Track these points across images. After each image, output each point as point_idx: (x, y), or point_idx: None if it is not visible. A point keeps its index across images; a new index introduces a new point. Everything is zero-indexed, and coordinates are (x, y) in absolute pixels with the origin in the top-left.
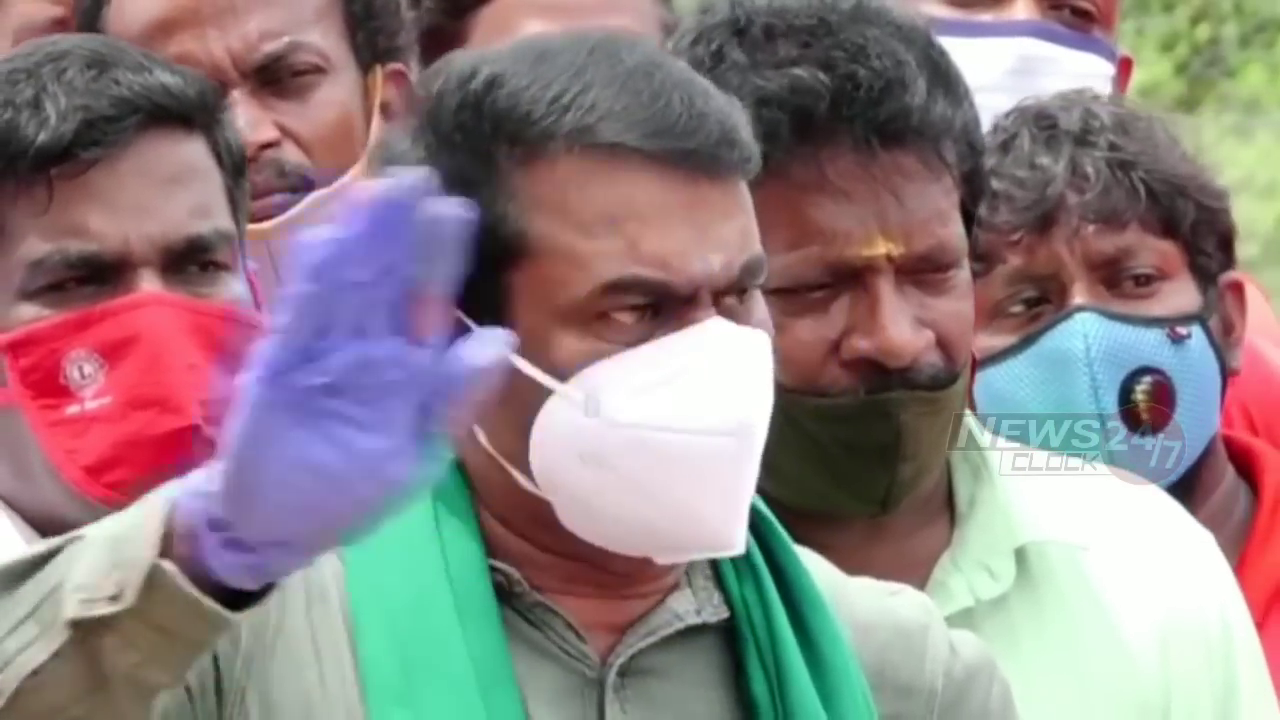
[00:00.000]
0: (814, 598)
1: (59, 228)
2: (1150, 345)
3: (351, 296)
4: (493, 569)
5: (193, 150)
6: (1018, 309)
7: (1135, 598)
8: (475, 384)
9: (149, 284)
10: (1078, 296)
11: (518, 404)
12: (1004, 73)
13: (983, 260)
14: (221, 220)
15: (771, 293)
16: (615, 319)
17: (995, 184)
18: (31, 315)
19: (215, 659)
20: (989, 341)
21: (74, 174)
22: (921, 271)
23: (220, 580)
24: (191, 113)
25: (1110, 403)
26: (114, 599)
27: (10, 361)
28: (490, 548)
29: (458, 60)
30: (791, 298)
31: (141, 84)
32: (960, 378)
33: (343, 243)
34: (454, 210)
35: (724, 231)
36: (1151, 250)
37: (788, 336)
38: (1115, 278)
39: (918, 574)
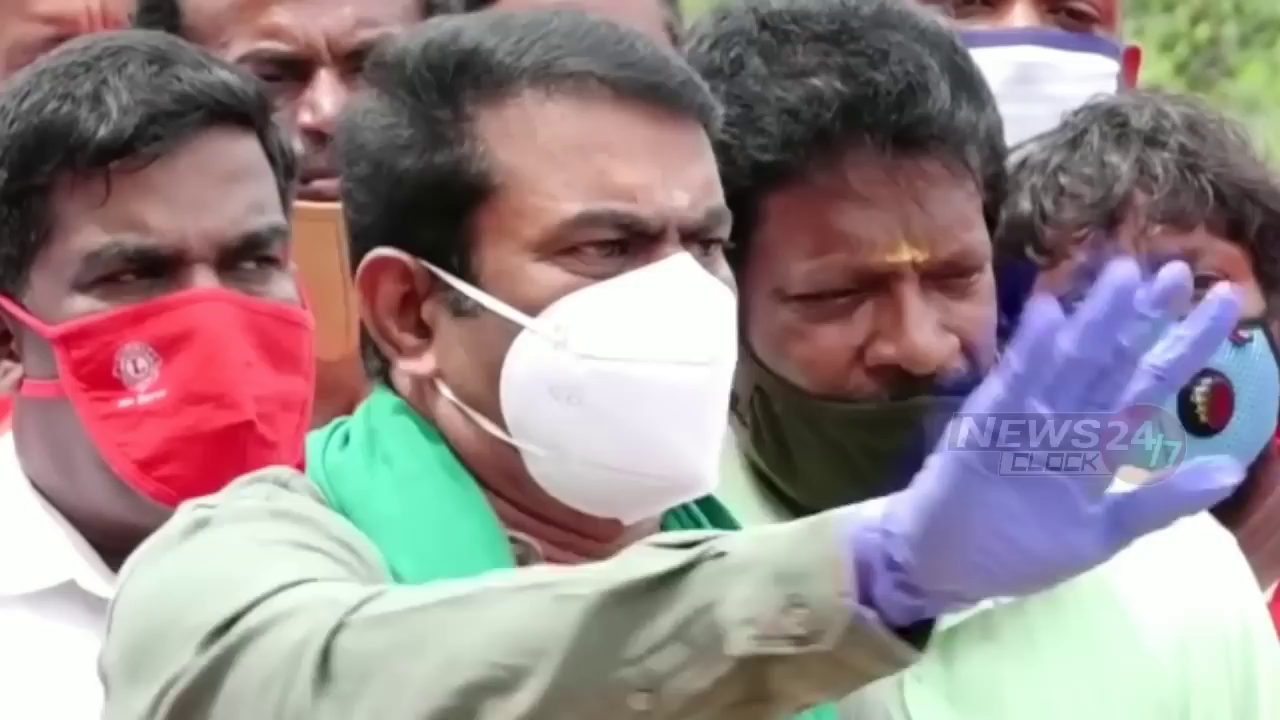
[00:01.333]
0: None
1: (117, 221)
2: None
3: (1080, 373)
4: (513, 540)
5: (249, 149)
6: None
7: (1154, 599)
8: (1195, 506)
9: (204, 280)
10: None
11: (487, 348)
12: (1003, 82)
13: (1048, 255)
14: (276, 217)
15: (795, 299)
16: (584, 253)
17: (1062, 180)
18: (85, 308)
19: None
20: None
21: (133, 169)
22: (946, 277)
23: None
24: (250, 111)
25: (1170, 403)
26: (801, 640)
27: (62, 354)
28: (507, 516)
29: (422, 24)
30: (815, 304)
31: (203, 81)
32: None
33: (1085, 322)
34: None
35: (690, 172)
36: (1217, 253)
37: (812, 343)
38: None
39: None
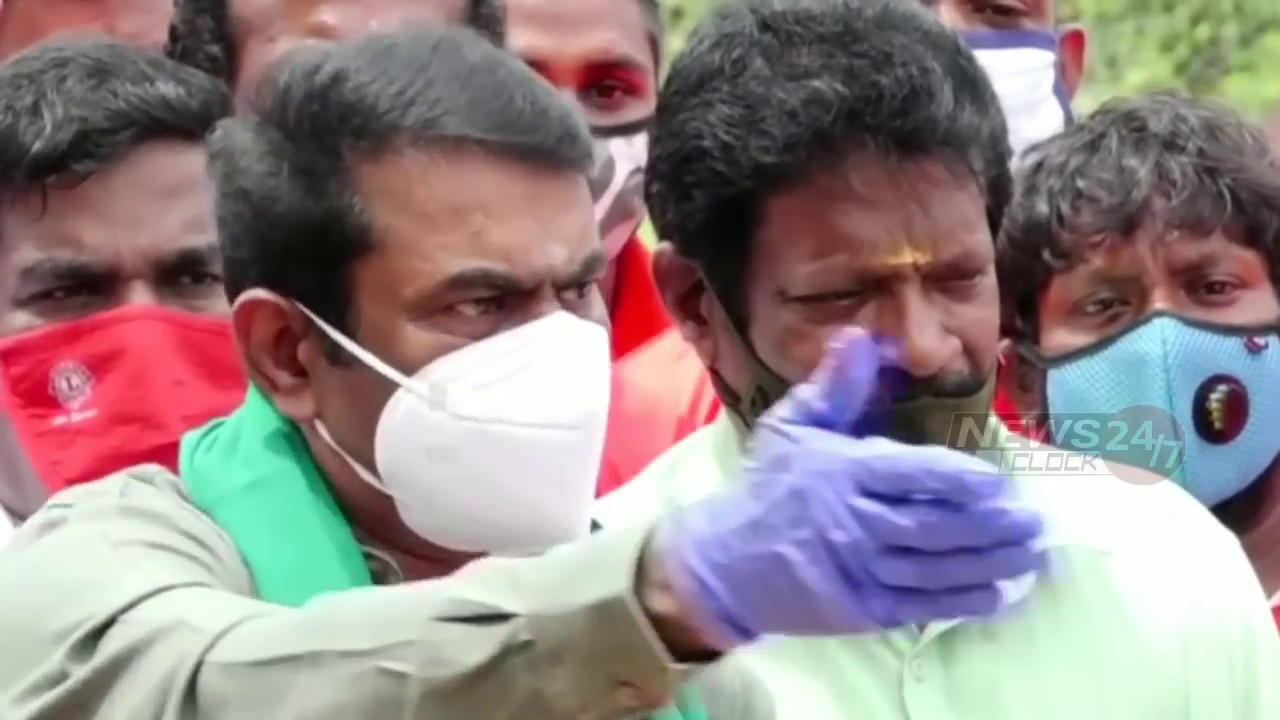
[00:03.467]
0: None
1: (52, 237)
2: (1227, 354)
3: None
4: (370, 556)
5: (192, 161)
6: (1094, 309)
7: (1156, 599)
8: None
9: (140, 296)
10: (1158, 301)
11: (363, 400)
12: None
13: (1064, 259)
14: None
15: (797, 300)
16: (461, 312)
17: (1080, 184)
18: (23, 324)
19: None
20: (1067, 339)
21: (69, 184)
22: (948, 279)
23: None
24: (191, 124)
25: (1184, 409)
26: (637, 708)
27: (1, 369)
28: (364, 533)
29: (301, 54)
30: (817, 305)
31: (140, 96)
32: (986, 384)
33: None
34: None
35: (566, 225)
36: (1234, 259)
37: (813, 344)
38: (1196, 284)
39: None
